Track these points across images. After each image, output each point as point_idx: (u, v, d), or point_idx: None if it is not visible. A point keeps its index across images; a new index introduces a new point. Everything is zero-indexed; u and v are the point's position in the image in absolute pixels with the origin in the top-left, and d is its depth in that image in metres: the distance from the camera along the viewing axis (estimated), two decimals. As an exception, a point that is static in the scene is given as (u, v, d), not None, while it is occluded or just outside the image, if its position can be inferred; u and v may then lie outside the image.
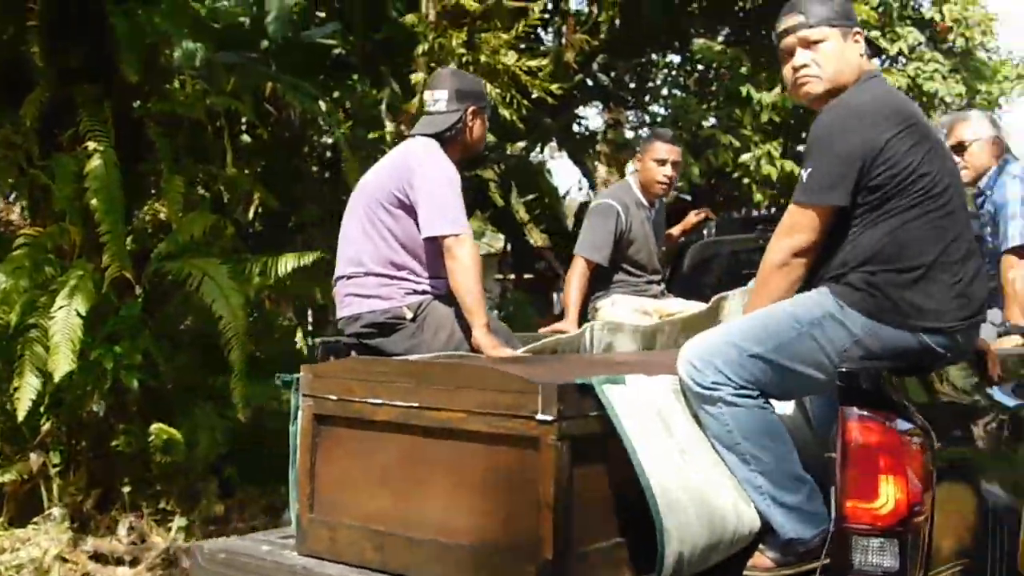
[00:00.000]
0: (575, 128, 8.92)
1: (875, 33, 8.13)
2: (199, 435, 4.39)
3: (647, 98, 9.61)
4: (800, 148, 8.44)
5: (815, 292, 2.10)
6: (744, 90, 8.30)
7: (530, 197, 10.57)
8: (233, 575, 2.35)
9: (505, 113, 5.27)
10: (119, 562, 4.16)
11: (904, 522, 1.87)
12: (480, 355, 2.74)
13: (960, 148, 3.27)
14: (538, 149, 11.25)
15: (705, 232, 4.51)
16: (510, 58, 4.89)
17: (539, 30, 8.92)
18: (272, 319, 5.37)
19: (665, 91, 9.37)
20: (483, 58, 4.89)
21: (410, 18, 5.85)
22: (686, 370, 2.08)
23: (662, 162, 3.84)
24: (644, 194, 3.89)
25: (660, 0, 8.30)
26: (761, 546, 2.13)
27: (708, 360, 2.05)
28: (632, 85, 9.55)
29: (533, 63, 4.96)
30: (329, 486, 2.29)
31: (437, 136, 2.99)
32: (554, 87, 5.11)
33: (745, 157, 8.34)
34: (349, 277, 2.98)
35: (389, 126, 5.22)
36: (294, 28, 5.64)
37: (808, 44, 2.23)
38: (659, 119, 9.12)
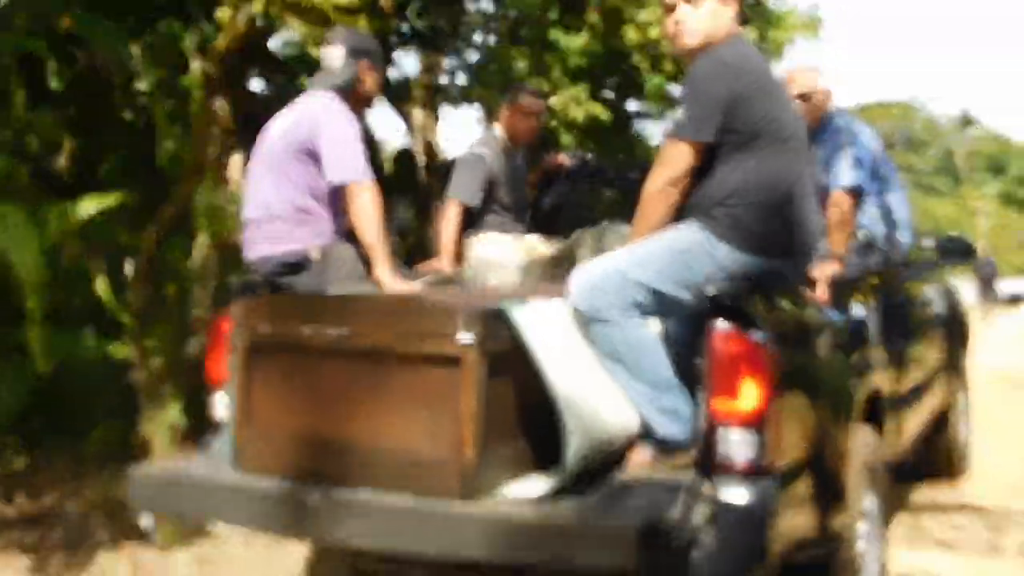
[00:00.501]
0: (391, 73, 8.96)
1: None
2: (0, 389, 4.25)
3: (461, 43, 9.82)
4: (605, 94, 9.15)
5: (686, 226, 2.41)
6: (553, 35, 8.67)
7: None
8: (172, 496, 2.46)
9: (315, 52, 5.11)
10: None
11: (761, 417, 2.17)
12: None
13: (805, 97, 3.66)
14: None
15: (560, 174, 4.74)
16: None
17: None
18: (75, 267, 5.17)
19: (478, 37, 9.60)
20: None
21: None
22: (578, 294, 2.36)
23: (528, 114, 4.16)
24: (510, 141, 4.18)
25: None
26: (639, 444, 2.40)
27: (597, 286, 2.34)
28: (446, 31, 9.73)
29: (343, 1, 4.83)
30: (263, 409, 2.39)
31: (336, 89, 3.16)
32: (360, 23, 4.96)
33: (553, 100, 8.57)
34: (259, 221, 3.13)
35: (195, 64, 5.06)
36: None
37: (689, 1, 2.46)
38: (471, 64, 9.39)
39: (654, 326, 2.48)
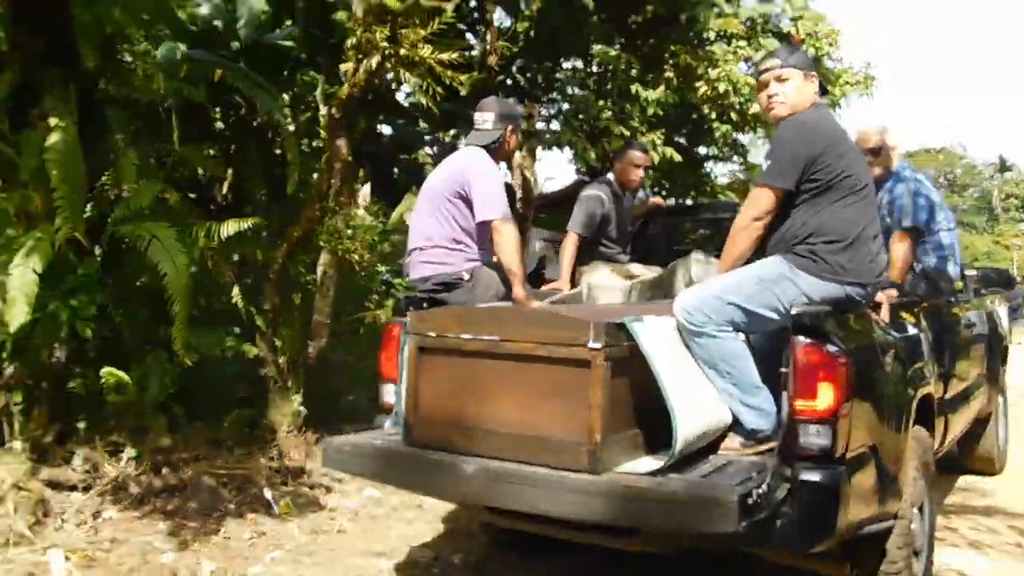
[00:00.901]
0: None
1: (741, 43, 9.52)
2: (150, 378, 4.71)
3: (555, 95, 10.63)
4: (678, 139, 10.03)
5: (772, 259, 2.91)
6: (634, 88, 9.40)
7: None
8: (357, 460, 3.02)
9: (423, 100, 5.73)
10: (72, 488, 4.44)
11: (834, 414, 2.62)
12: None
13: (875, 152, 4.15)
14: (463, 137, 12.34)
15: (657, 215, 5.69)
16: (426, 51, 5.22)
17: (467, 35, 10.33)
18: (215, 278, 5.79)
19: (569, 89, 10.33)
20: (403, 51, 5.21)
21: (340, 14, 6.50)
22: (682, 313, 2.87)
23: (636, 166, 4.90)
24: (621, 186, 4.90)
25: (566, 13, 9.39)
26: (731, 434, 2.90)
27: (698, 307, 2.84)
28: (542, 84, 10.69)
29: (444, 56, 5.26)
30: (429, 397, 2.97)
31: (485, 147, 3.87)
32: (463, 77, 5.50)
33: None
34: (421, 248, 3.79)
35: (323, 109, 5.58)
36: (261, 31, 6.27)
37: (780, 80, 2.98)
38: (563, 112, 10.08)
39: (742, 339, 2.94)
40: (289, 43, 6.31)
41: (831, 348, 2.69)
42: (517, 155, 10.79)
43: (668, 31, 9.78)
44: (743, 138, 11.69)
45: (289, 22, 6.86)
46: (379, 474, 3.23)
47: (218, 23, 6.34)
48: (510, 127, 3.93)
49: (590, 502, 2.63)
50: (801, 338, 2.70)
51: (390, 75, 5.50)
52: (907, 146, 42.54)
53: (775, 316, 2.80)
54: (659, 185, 10.62)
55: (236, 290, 5.54)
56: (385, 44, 5.07)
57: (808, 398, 2.68)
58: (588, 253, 4.61)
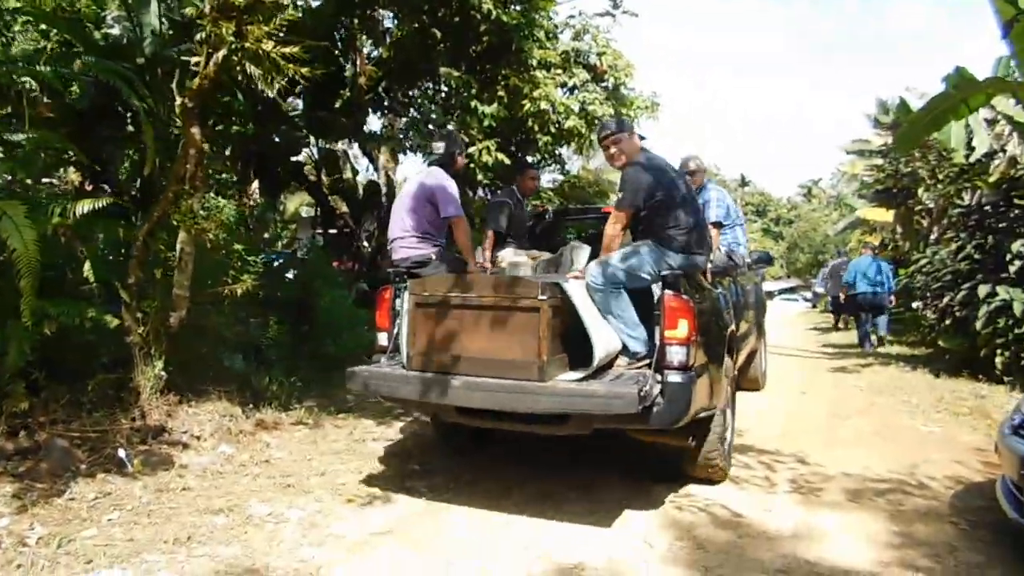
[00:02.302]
0: (365, 129, 11.95)
1: (558, 71, 11.29)
2: (9, 346, 4.64)
3: (412, 110, 12.34)
4: (509, 148, 11.76)
5: (643, 242, 4.24)
6: (473, 104, 10.96)
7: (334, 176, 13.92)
8: (375, 382, 4.12)
9: (269, 92, 5.79)
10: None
11: (689, 339, 3.90)
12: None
13: (692, 173, 5.76)
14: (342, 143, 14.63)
15: (545, 215, 7.42)
16: (269, 46, 5.33)
17: (341, 59, 11.87)
18: (70, 252, 5.76)
19: (420, 104, 12.08)
20: (248, 45, 5.30)
21: (190, 10, 6.99)
22: (589, 277, 4.11)
23: (532, 179, 6.51)
24: (520, 194, 6.29)
25: (420, 42, 11.21)
26: (620, 356, 4.20)
27: (599, 272, 4.12)
28: (401, 100, 12.57)
29: (286, 49, 5.37)
30: (423, 336, 4.04)
31: (441, 165, 5.29)
32: (304, 71, 5.56)
33: (472, 150, 10.75)
34: (401, 238, 5.16)
35: (179, 100, 5.72)
36: (164, 46, 6.80)
37: (615, 143, 4.49)
38: (417, 122, 11.84)
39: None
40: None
41: (684, 297, 3.99)
42: (382, 158, 13.09)
43: (501, 59, 11.37)
44: (562, 152, 13.43)
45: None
46: (389, 391, 4.28)
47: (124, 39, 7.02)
48: (456, 152, 5.41)
49: (541, 399, 3.81)
50: (668, 291, 3.99)
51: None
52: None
53: (648, 278, 4.10)
54: (494, 185, 12.24)
55: (88, 265, 5.58)
56: (232, 39, 5.17)
57: (672, 329, 3.95)
58: (499, 243, 5.96)
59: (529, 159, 11.96)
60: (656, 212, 4.36)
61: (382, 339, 4.65)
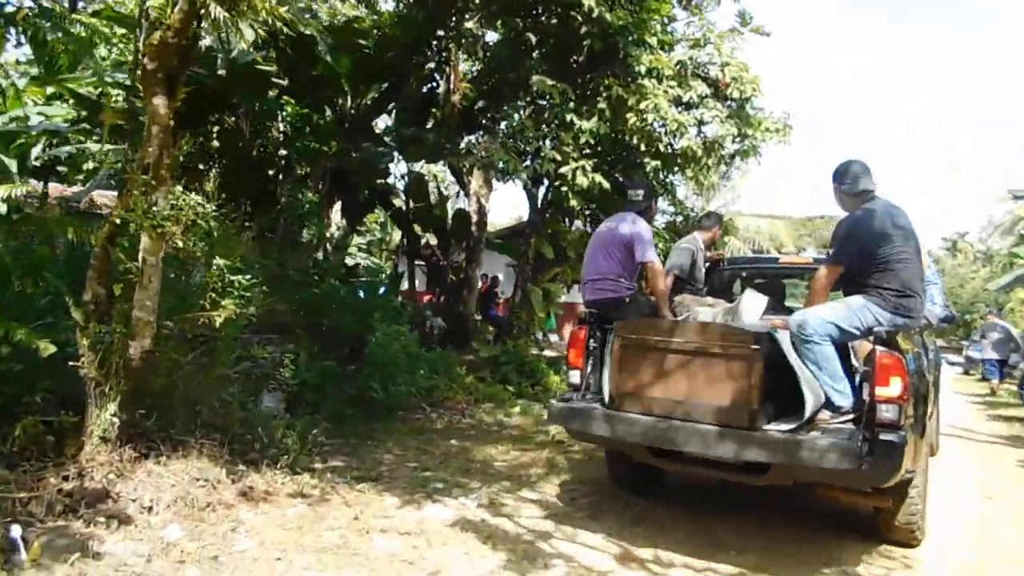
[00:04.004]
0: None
1: (671, 83, 10.84)
2: None
3: (502, 125, 12.21)
4: (610, 171, 11.53)
5: (855, 297, 4.66)
6: (569, 117, 10.81)
7: (421, 204, 14.52)
8: (571, 415, 5.01)
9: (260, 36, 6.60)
10: None
11: (902, 397, 4.53)
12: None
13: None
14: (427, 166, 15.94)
15: (720, 264, 7.82)
16: None
17: (436, 75, 12.59)
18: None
19: (509, 116, 11.80)
20: None
21: None
22: (797, 327, 4.67)
23: (718, 233, 7.43)
24: (705, 243, 7.14)
25: (512, 51, 11.44)
26: (823, 410, 4.62)
27: (806, 323, 4.67)
28: (493, 117, 12.65)
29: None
30: (628, 377, 4.91)
31: (639, 212, 6.11)
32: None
33: (564, 170, 10.89)
34: (595, 280, 5.99)
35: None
36: None
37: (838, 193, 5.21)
38: (507, 139, 11.42)
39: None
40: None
41: (897, 354, 4.60)
42: (474, 183, 13.47)
43: (604, 67, 11.29)
44: (673, 179, 13.35)
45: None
46: (590, 431, 4.99)
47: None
48: (652, 201, 6.46)
49: (751, 448, 4.50)
50: (879, 347, 4.61)
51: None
52: (805, 212, 48.99)
53: (857, 333, 4.53)
54: (594, 214, 12.36)
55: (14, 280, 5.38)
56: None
57: (885, 386, 4.53)
58: (679, 288, 6.74)
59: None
60: (871, 268, 4.89)
61: (574, 377, 5.47)
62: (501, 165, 11.03)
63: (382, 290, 10.78)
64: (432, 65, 12.62)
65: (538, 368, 12.43)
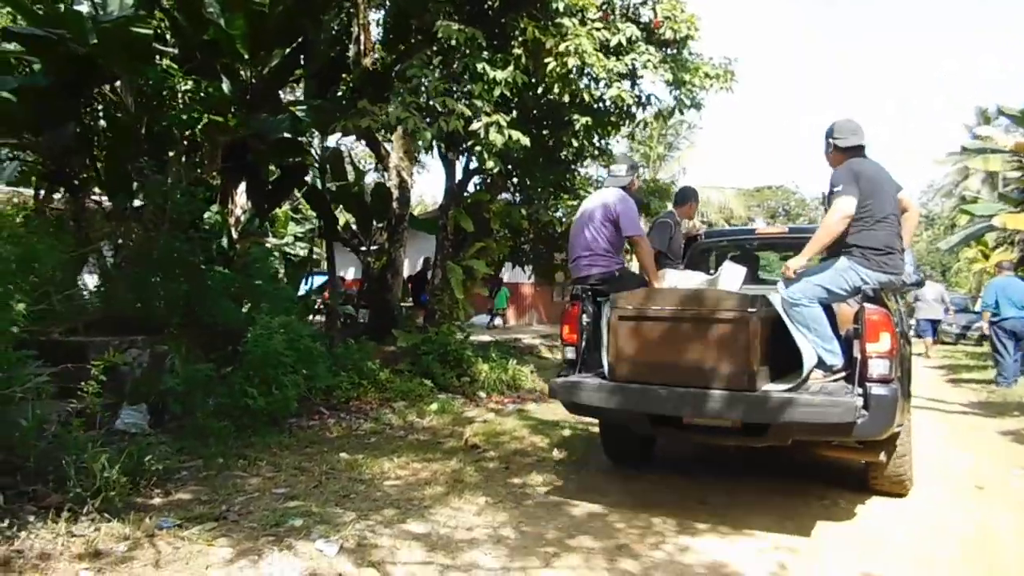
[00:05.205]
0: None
1: (596, 25, 10.57)
2: None
3: (405, 83, 11.26)
4: (535, 129, 11.36)
5: (839, 258, 5.14)
6: (480, 67, 10.27)
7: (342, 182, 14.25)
8: (572, 390, 5.55)
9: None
10: None
11: (891, 351, 5.05)
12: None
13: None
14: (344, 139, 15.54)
15: (698, 238, 8.41)
16: None
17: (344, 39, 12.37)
18: None
19: (412, 71, 10.71)
20: None
21: None
22: (786, 292, 5.28)
23: (693, 207, 8.18)
24: (680, 217, 7.83)
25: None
26: (816, 368, 5.10)
27: (797, 288, 5.24)
28: (396, 74, 12.20)
29: None
30: (624, 347, 5.72)
31: (622, 188, 6.96)
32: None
33: (476, 126, 10.46)
34: (584, 256, 6.81)
35: None
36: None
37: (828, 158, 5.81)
38: (400, 92, 10.59)
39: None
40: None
41: (885, 311, 5.46)
42: (394, 156, 13.10)
43: (519, 7, 10.89)
44: (608, 142, 13.15)
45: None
46: (591, 400, 5.44)
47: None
48: (634, 174, 7.15)
49: (753, 409, 5.15)
50: (868, 305, 5.42)
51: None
52: (752, 183, 60.17)
53: (844, 294, 5.12)
54: (518, 180, 12.47)
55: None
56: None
57: (875, 342, 5.31)
58: (661, 262, 7.52)
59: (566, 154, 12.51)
60: (856, 222, 5.42)
61: (569, 353, 6.05)
62: (407, 128, 10.29)
63: (311, 281, 10.91)
64: (339, 26, 12.42)
65: (464, 356, 12.11)
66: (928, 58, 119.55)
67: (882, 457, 5.71)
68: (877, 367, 5.05)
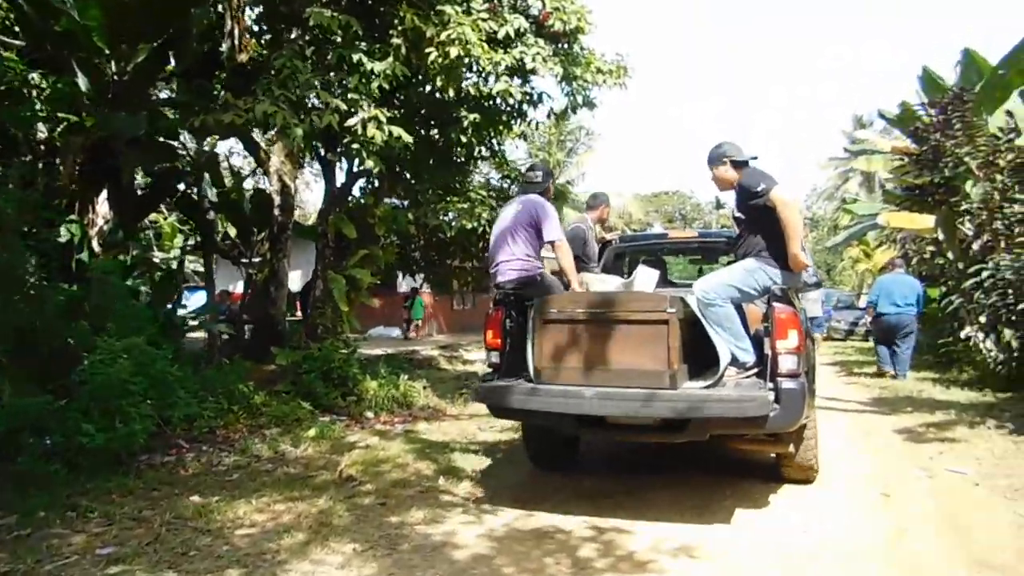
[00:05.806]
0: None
1: (481, 15, 10.32)
2: None
3: (271, 77, 10.56)
4: (420, 127, 11.24)
5: (748, 260, 5.52)
6: (356, 57, 10.12)
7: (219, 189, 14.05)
8: (499, 394, 6.07)
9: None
10: None
11: (799, 348, 5.75)
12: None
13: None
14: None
15: (612, 242, 9.16)
16: None
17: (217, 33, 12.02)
18: None
19: (280, 62, 10.14)
20: None
21: None
22: (701, 293, 5.71)
23: (606, 211, 9.08)
24: (594, 223, 8.54)
25: None
26: (730, 366, 5.59)
27: (711, 288, 5.84)
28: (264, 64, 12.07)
29: None
30: (548, 350, 6.38)
31: (539, 192, 7.53)
32: None
33: (351, 121, 10.23)
34: (506, 261, 7.20)
35: None
36: None
37: (714, 170, 6.54)
38: (268, 85, 9.84)
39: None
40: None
41: (792, 309, 6.15)
42: (274, 159, 12.67)
43: None
44: (498, 141, 13.19)
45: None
46: (515, 405, 5.85)
47: None
48: (550, 181, 7.89)
49: (674, 406, 5.76)
50: (777, 304, 6.09)
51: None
52: (649, 190, 64.47)
53: (755, 293, 5.48)
54: (406, 182, 12.37)
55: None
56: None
57: (784, 339, 6.02)
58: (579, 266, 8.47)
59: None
60: (757, 231, 6.13)
61: (494, 357, 6.44)
62: (273, 126, 9.84)
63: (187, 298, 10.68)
64: (211, 20, 11.72)
65: (349, 373, 11.57)
66: (815, 45, 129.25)
67: (791, 448, 6.27)
68: (786, 363, 5.52)
